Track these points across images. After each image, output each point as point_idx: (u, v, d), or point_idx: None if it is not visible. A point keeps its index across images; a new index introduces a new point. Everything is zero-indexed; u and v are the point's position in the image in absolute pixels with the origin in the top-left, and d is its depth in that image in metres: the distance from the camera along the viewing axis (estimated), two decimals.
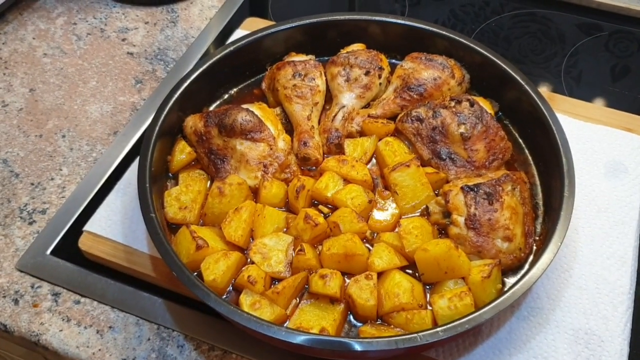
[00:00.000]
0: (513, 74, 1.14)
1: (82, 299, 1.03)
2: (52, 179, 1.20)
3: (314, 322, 0.90)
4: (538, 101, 1.09)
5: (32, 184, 1.19)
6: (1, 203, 1.16)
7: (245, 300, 0.91)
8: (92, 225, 1.07)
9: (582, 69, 1.47)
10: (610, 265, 1.02)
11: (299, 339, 0.82)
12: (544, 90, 1.30)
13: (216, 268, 0.93)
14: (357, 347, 0.81)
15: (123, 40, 1.47)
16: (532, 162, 1.12)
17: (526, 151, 1.14)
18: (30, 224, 1.13)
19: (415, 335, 0.81)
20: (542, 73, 1.47)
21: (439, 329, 0.82)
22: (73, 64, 1.41)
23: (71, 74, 1.39)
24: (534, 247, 1.00)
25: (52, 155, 1.24)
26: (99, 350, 0.97)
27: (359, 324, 0.93)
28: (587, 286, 1.00)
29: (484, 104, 1.14)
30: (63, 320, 1.01)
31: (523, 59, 1.51)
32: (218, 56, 1.18)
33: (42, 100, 1.34)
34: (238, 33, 1.41)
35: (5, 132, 1.27)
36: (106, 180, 1.18)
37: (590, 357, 0.92)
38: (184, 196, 1.03)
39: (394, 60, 1.28)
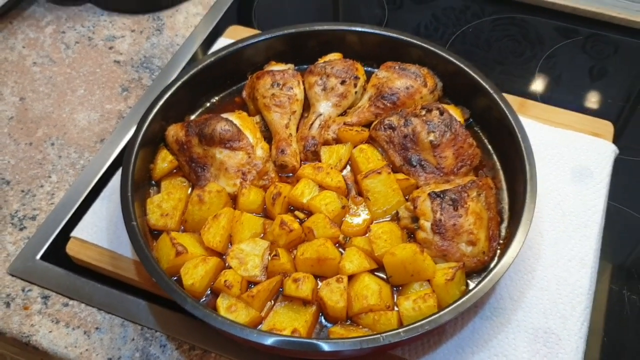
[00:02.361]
0: (483, 83, 1.18)
1: (71, 302, 1.09)
2: (41, 186, 1.25)
3: (286, 323, 0.95)
4: (505, 109, 1.14)
5: (23, 191, 1.24)
6: None
7: (222, 303, 0.96)
8: (79, 231, 1.12)
9: (561, 70, 1.52)
10: (571, 267, 1.07)
11: (270, 340, 0.87)
12: (517, 97, 1.34)
13: (195, 273, 0.98)
14: (325, 348, 0.86)
15: (110, 48, 1.51)
16: (500, 168, 1.17)
17: (494, 157, 1.19)
18: (21, 229, 1.18)
19: (379, 336, 0.86)
20: (523, 74, 1.51)
21: (400, 330, 0.87)
22: (62, 72, 1.46)
23: (60, 82, 1.44)
24: (499, 251, 1.05)
25: (42, 163, 1.29)
26: (86, 350, 1.03)
27: (329, 325, 0.98)
28: (548, 287, 1.05)
29: (455, 111, 1.18)
30: (52, 321, 1.06)
31: (504, 60, 1.55)
32: (199, 67, 1.22)
33: (32, 109, 1.39)
34: (221, 41, 1.45)
35: None
36: (93, 188, 1.23)
37: (548, 354, 0.98)
38: (165, 203, 1.08)
39: (370, 69, 1.32)
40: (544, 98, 1.45)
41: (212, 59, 1.24)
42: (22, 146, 1.32)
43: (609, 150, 1.22)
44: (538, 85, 1.49)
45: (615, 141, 1.26)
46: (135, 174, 1.07)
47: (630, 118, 1.45)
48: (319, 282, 1.00)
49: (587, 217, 1.13)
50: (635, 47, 1.56)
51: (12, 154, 1.30)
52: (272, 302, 1.00)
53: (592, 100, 1.47)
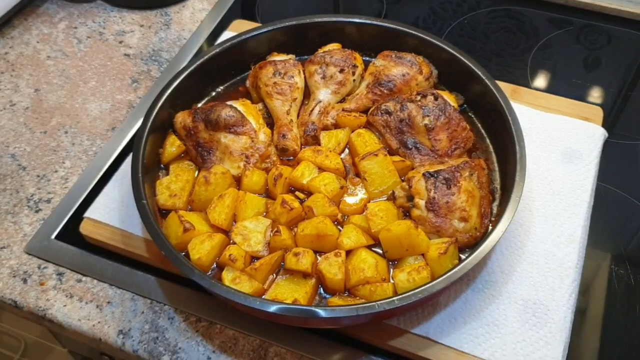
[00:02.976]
0: (476, 70, 1.23)
1: (84, 278, 1.15)
2: (56, 171, 1.32)
3: (288, 294, 1.01)
4: (497, 94, 1.18)
5: (38, 176, 1.31)
6: (10, 193, 1.28)
7: (227, 275, 1.02)
8: (92, 212, 1.18)
9: (555, 60, 1.56)
10: (560, 242, 1.11)
11: (273, 307, 0.92)
12: (510, 84, 1.39)
13: (201, 248, 1.04)
14: (322, 314, 0.91)
15: (120, 42, 1.58)
16: (492, 150, 1.22)
17: (487, 140, 1.24)
18: (37, 212, 1.25)
19: (374, 303, 0.91)
20: (519, 64, 1.56)
21: (395, 298, 0.92)
22: (74, 65, 1.53)
23: (72, 74, 1.51)
24: (490, 227, 1.10)
25: (56, 150, 1.35)
26: (99, 322, 1.09)
27: (328, 296, 1.03)
28: (537, 261, 1.09)
29: (449, 97, 1.24)
30: (67, 296, 1.12)
31: (500, 51, 1.60)
32: (205, 57, 1.28)
33: (46, 100, 1.45)
34: (226, 34, 1.51)
35: (13, 129, 1.39)
36: (105, 172, 1.29)
37: (537, 323, 1.02)
38: (173, 185, 1.14)
39: (368, 58, 1.37)
40: (540, 87, 1.50)
41: (218, 50, 1.30)
42: (37, 134, 1.38)
43: (597, 134, 1.27)
44: (533, 75, 1.54)
45: (608, 127, 1.30)
46: (145, 158, 1.13)
47: (623, 106, 1.50)
48: (318, 257, 1.06)
49: (576, 196, 1.18)
50: (628, 36, 1.61)
51: (28, 141, 1.37)
52: (274, 275, 1.05)
53: (586, 89, 1.51)
